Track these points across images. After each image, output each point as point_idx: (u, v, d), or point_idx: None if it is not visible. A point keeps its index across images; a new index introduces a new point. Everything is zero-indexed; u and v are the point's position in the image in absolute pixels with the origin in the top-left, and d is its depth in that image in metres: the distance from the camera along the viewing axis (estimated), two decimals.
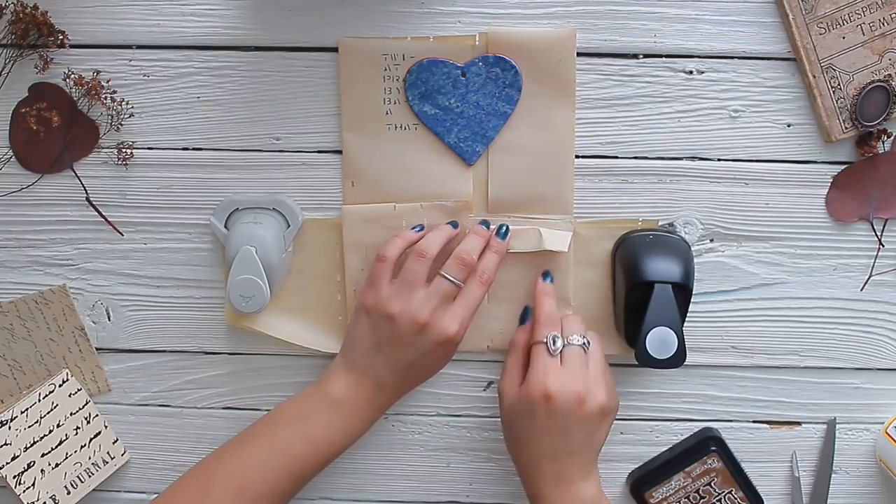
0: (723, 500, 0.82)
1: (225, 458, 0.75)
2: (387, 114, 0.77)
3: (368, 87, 0.77)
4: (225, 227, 0.79)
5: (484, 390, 0.84)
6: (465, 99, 0.77)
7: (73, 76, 0.77)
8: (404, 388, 0.77)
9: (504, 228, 0.77)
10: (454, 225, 0.77)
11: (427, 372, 0.77)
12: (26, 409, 0.81)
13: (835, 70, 0.75)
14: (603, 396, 0.72)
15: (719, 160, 0.78)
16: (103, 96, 0.77)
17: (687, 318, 0.76)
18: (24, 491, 0.80)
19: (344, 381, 0.75)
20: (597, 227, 0.79)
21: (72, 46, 0.77)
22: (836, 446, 0.83)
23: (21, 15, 0.75)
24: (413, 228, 0.77)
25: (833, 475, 0.83)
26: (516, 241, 0.79)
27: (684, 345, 0.74)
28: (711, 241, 0.79)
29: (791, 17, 0.74)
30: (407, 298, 0.73)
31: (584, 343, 0.74)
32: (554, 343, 0.73)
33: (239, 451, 0.75)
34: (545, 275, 0.79)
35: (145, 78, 0.78)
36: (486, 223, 0.78)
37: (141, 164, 0.79)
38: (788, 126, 0.77)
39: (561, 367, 0.73)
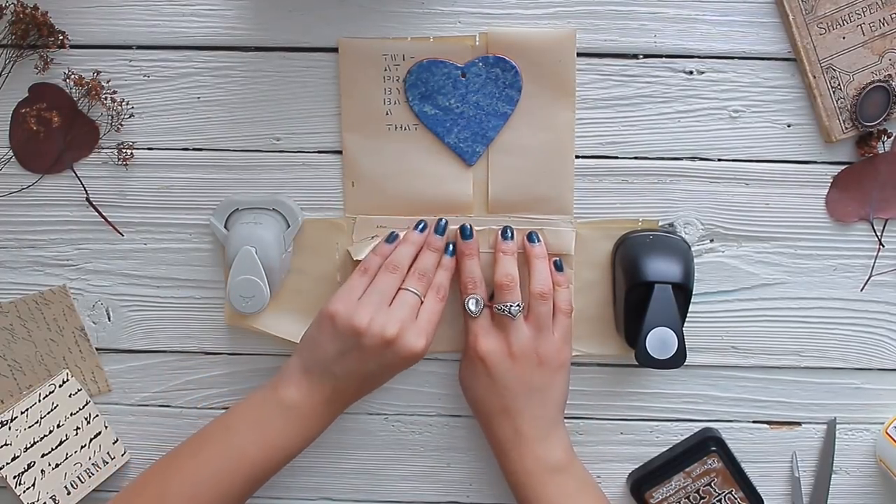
0: (723, 500, 0.82)
1: (180, 465, 0.74)
2: (387, 114, 0.77)
3: (368, 87, 0.77)
4: (225, 227, 0.79)
5: None
6: (465, 99, 0.77)
7: (73, 76, 0.77)
8: (360, 395, 0.77)
9: (452, 246, 0.78)
10: (422, 229, 0.78)
11: (384, 381, 0.77)
12: (26, 410, 0.81)
13: (835, 70, 0.75)
14: (535, 353, 0.75)
15: (719, 160, 0.78)
16: (103, 96, 0.77)
17: (687, 319, 0.76)
18: (24, 491, 0.80)
19: (299, 385, 0.74)
20: (597, 227, 0.79)
21: (72, 47, 0.77)
22: (836, 446, 0.83)
23: (21, 15, 0.75)
24: (387, 240, 0.78)
25: (833, 475, 0.83)
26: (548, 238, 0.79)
27: (684, 345, 0.74)
28: (711, 241, 0.79)
29: (791, 17, 0.74)
30: (376, 312, 0.73)
31: (509, 310, 0.75)
32: (468, 306, 0.77)
33: (194, 458, 0.74)
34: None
35: (145, 78, 0.78)
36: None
37: (141, 164, 0.79)
38: (788, 126, 0.77)
39: (491, 328, 0.77)
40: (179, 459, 0.75)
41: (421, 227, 0.78)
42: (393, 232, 0.78)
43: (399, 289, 0.75)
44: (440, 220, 0.78)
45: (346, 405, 0.76)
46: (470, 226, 0.78)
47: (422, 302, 0.75)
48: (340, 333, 0.73)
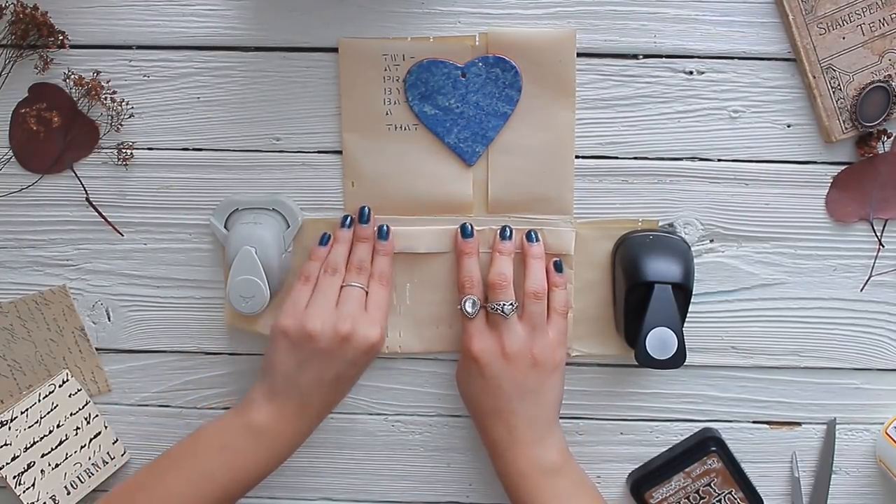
0: (723, 500, 0.82)
1: (147, 487, 0.74)
2: (387, 114, 0.77)
3: (368, 87, 0.77)
4: (225, 227, 0.79)
5: None
6: (465, 99, 0.77)
7: (73, 76, 0.77)
8: (329, 404, 0.77)
9: (385, 229, 0.78)
10: (349, 224, 0.78)
11: (350, 384, 0.77)
12: (26, 410, 0.81)
13: (835, 70, 0.75)
14: (530, 354, 0.75)
15: (719, 160, 0.78)
16: (103, 97, 0.77)
17: (687, 319, 0.76)
18: (24, 491, 0.80)
19: (266, 408, 0.74)
20: (597, 227, 0.79)
21: (72, 47, 0.77)
22: (836, 446, 0.83)
23: (21, 15, 0.75)
24: (321, 243, 0.78)
25: (833, 475, 0.83)
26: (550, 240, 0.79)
27: (684, 345, 0.74)
28: (711, 241, 0.79)
29: (791, 17, 0.74)
30: (325, 314, 0.74)
31: (502, 309, 0.75)
32: (465, 307, 0.76)
33: (160, 480, 0.74)
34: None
35: (145, 78, 0.78)
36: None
37: (141, 164, 0.79)
38: (788, 126, 0.77)
39: (485, 328, 0.76)
40: (146, 481, 0.74)
41: (347, 222, 0.78)
42: (325, 233, 0.78)
43: (341, 286, 0.76)
44: (362, 208, 0.78)
45: (316, 419, 0.76)
46: (470, 225, 0.78)
47: (367, 293, 0.76)
48: (296, 344, 0.74)
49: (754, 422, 0.83)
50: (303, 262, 0.78)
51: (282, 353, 0.74)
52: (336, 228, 0.78)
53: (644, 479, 0.82)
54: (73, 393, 0.83)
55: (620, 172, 0.78)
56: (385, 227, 0.78)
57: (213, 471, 0.73)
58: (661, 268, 0.75)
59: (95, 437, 0.84)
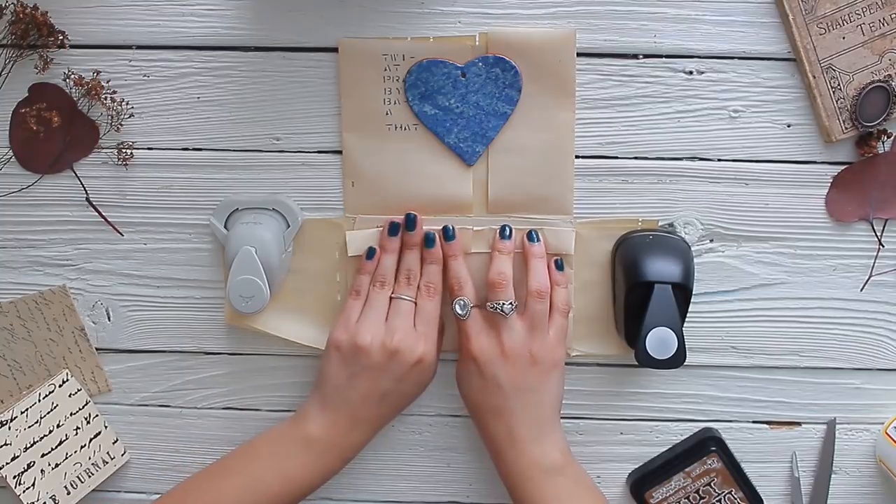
0: (723, 500, 0.82)
1: (200, 491, 0.75)
2: (387, 114, 0.77)
3: (368, 87, 0.77)
4: (225, 227, 0.79)
5: None
6: (465, 99, 0.77)
7: (73, 76, 0.77)
8: (381, 421, 0.77)
9: (432, 236, 0.77)
10: (393, 231, 0.78)
11: (403, 401, 0.77)
12: (26, 410, 0.81)
13: (835, 70, 0.75)
14: (528, 352, 0.75)
15: (719, 160, 0.78)
16: (103, 96, 0.77)
17: (687, 318, 0.76)
18: (24, 491, 0.80)
19: (319, 419, 0.76)
20: (597, 227, 0.79)
21: (72, 46, 0.77)
22: (836, 446, 0.83)
23: (21, 15, 0.75)
24: (367, 257, 0.78)
25: (833, 475, 0.83)
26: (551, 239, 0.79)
27: (684, 345, 0.74)
28: (711, 241, 0.79)
29: (791, 17, 0.74)
30: (375, 328, 0.75)
31: (502, 308, 0.75)
32: (455, 310, 0.76)
33: (211, 486, 0.75)
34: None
35: (145, 78, 0.78)
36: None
37: (141, 164, 0.79)
38: (788, 126, 0.77)
39: (484, 327, 0.76)
40: (199, 486, 0.75)
41: (392, 229, 0.78)
42: (371, 248, 0.78)
43: (391, 298, 0.76)
44: (408, 215, 0.78)
45: (368, 433, 0.77)
46: (452, 226, 0.78)
47: (416, 304, 0.76)
48: (347, 358, 0.75)
49: (754, 422, 0.83)
50: (353, 276, 0.79)
51: (334, 366, 0.75)
52: (383, 237, 0.78)
53: (644, 479, 0.82)
54: (73, 393, 0.83)
55: (620, 172, 0.78)
56: (432, 234, 0.78)
57: (265, 479, 0.74)
58: (661, 268, 0.75)
59: (95, 437, 0.84)
